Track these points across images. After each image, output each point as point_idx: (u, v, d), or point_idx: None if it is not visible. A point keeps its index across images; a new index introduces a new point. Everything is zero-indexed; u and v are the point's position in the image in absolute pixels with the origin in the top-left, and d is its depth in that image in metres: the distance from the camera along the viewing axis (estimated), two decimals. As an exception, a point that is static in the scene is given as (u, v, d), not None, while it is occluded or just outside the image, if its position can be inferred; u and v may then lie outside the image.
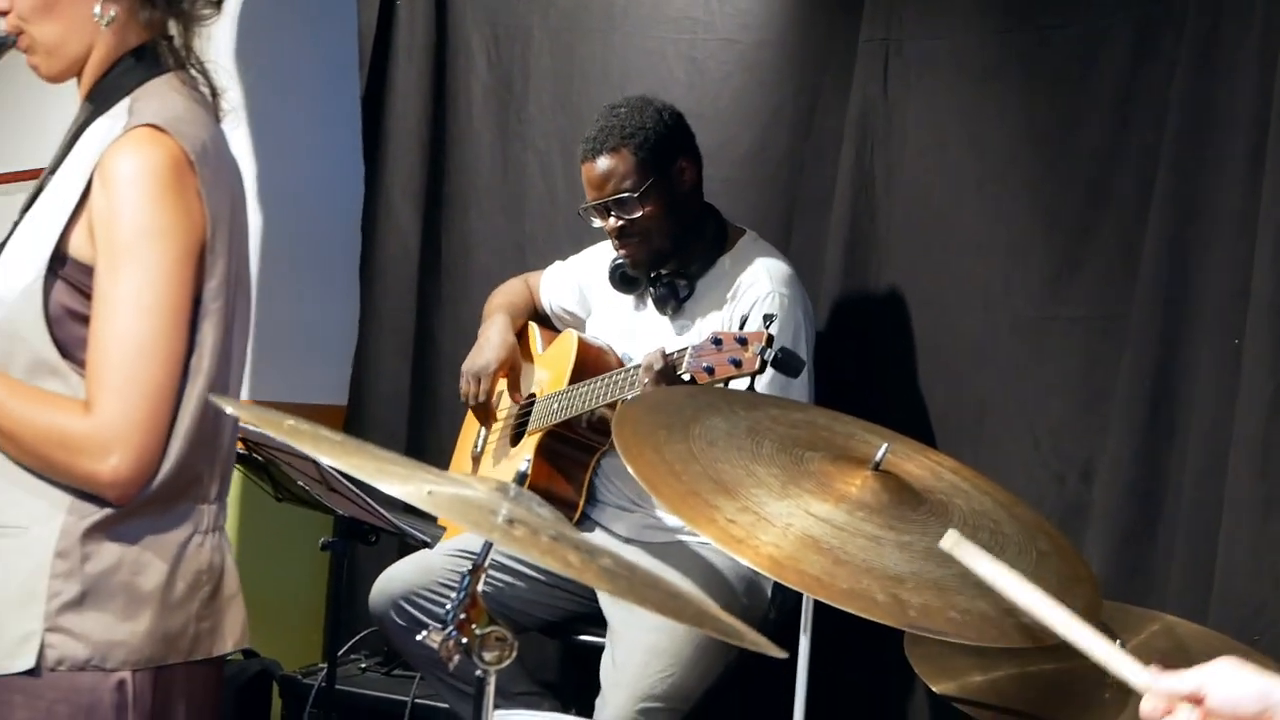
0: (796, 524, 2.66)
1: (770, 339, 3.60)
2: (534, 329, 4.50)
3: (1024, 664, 2.97)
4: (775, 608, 4.07)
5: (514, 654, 2.15)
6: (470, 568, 2.14)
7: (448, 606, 2.14)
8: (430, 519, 4.19)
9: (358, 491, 3.74)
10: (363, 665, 4.84)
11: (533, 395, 4.35)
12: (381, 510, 3.80)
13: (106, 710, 2.44)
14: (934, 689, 2.99)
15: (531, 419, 4.27)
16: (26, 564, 2.44)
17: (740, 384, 3.67)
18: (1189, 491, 3.68)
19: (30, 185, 2.64)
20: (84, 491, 2.44)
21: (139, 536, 2.47)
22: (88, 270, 2.44)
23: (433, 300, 5.18)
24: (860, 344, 4.40)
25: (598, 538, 4.14)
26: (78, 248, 2.46)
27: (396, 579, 4.18)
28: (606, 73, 4.84)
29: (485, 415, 4.40)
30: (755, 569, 2.61)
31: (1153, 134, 3.87)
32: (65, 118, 2.66)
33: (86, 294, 2.45)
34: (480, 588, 2.16)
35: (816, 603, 2.91)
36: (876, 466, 2.85)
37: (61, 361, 2.45)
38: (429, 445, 5.11)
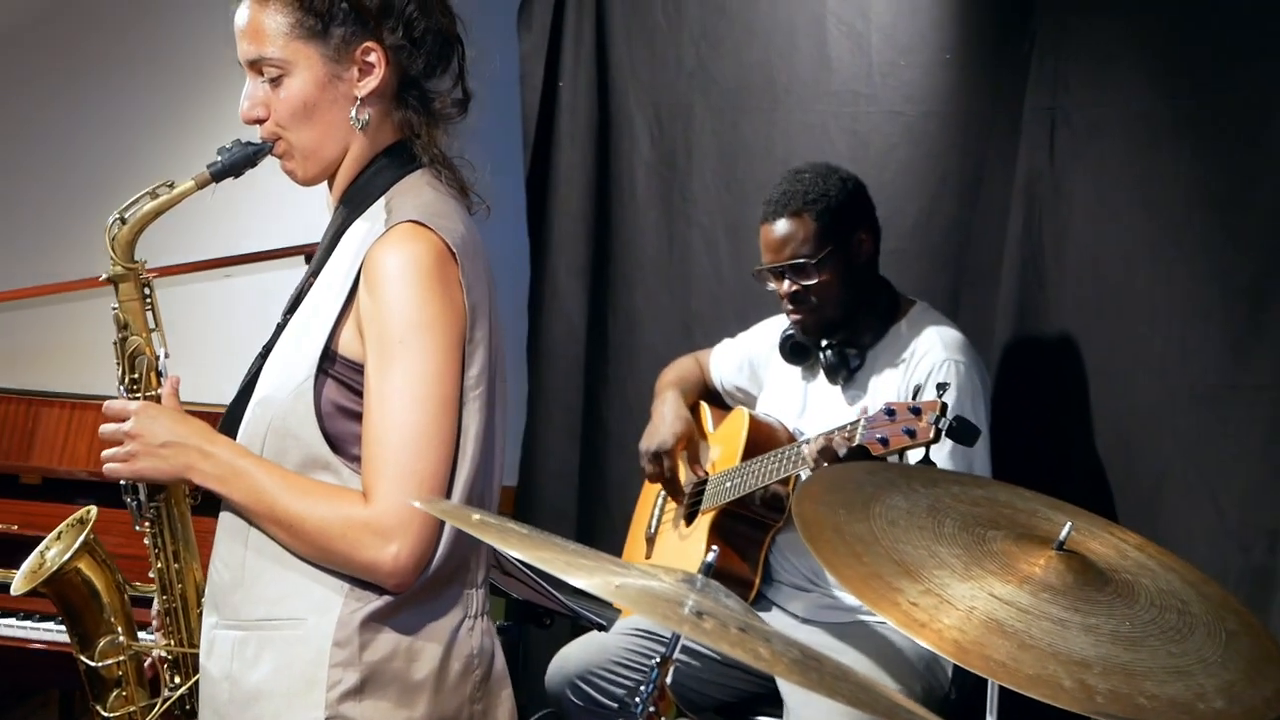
0: (980, 607, 2.62)
1: (944, 407, 3.58)
2: (705, 408, 4.50)
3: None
4: (955, 687, 4.02)
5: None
6: (658, 660, 2.13)
7: (636, 700, 2.13)
8: (604, 600, 4.19)
9: (532, 576, 3.75)
10: (538, 747, 4.84)
11: (706, 474, 4.34)
12: (556, 594, 3.81)
13: None
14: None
15: (705, 498, 4.26)
16: (306, 653, 2.51)
17: (915, 455, 3.64)
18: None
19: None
20: (359, 580, 2.51)
21: (413, 623, 2.53)
22: (357, 367, 2.53)
23: (600, 379, 5.20)
24: (1033, 415, 4.34)
25: (775, 618, 4.11)
26: (347, 345, 2.54)
27: (572, 659, 4.19)
28: (770, 149, 4.84)
29: (674, 491, 4.39)
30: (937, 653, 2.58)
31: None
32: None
33: (356, 390, 2.53)
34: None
35: (1001, 687, 2.87)
36: (1060, 546, 2.80)
37: (333, 457, 2.53)
38: (598, 524, 5.12)
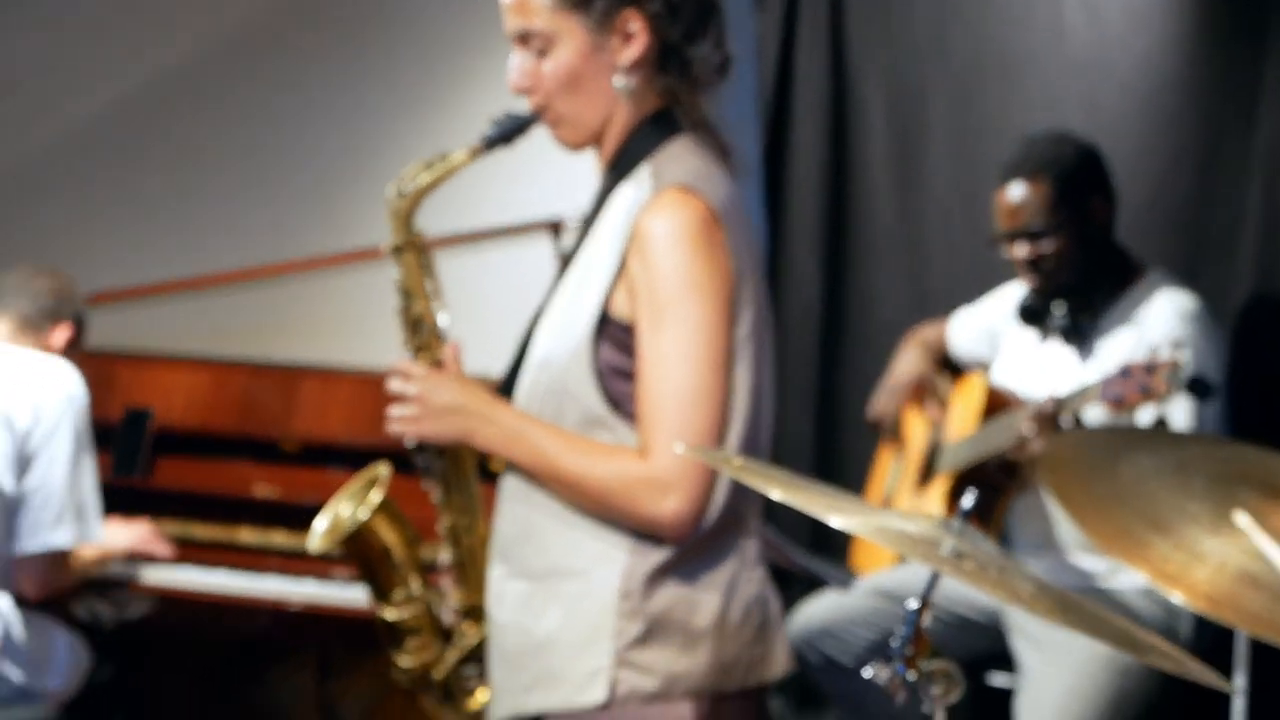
0: (1232, 562, 2.64)
1: (1177, 364, 3.60)
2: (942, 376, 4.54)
3: None
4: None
5: (960, 689, 2.19)
6: (917, 604, 2.18)
7: (892, 643, 2.17)
8: (840, 564, 4.25)
9: (773, 537, 3.80)
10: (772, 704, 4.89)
11: (939, 439, 4.38)
12: (797, 555, 3.86)
13: None
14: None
15: (941, 463, 4.30)
16: (592, 605, 2.63)
17: (1148, 415, 3.67)
18: None
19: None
20: (640, 534, 2.63)
21: (694, 574, 2.64)
22: (629, 329, 2.63)
23: (836, 356, 5.22)
24: (1274, 382, 4.31)
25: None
26: (618, 308, 2.65)
27: (812, 617, 4.24)
28: (1005, 122, 4.83)
29: (896, 438, 4.45)
30: (1189, 610, 2.60)
31: None
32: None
33: (628, 351, 2.63)
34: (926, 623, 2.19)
35: (1252, 643, 2.88)
36: (1312, 503, 2.81)
37: (611, 415, 2.64)
38: (836, 501, 5.14)
